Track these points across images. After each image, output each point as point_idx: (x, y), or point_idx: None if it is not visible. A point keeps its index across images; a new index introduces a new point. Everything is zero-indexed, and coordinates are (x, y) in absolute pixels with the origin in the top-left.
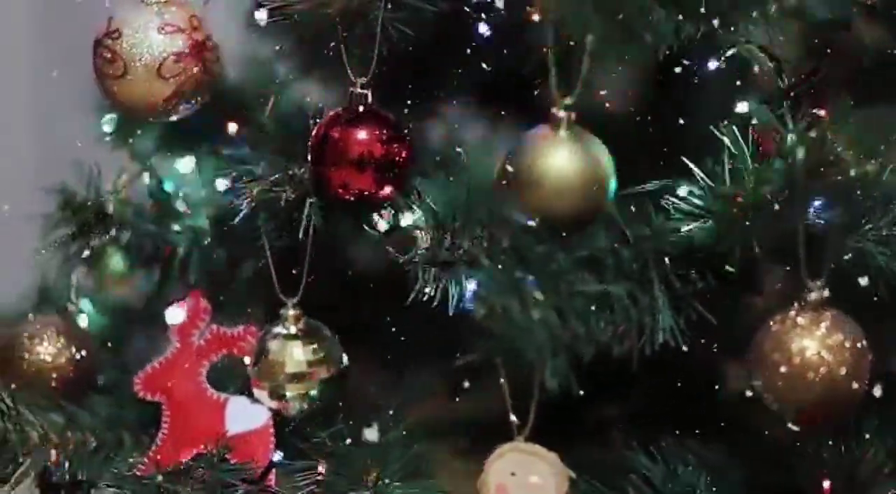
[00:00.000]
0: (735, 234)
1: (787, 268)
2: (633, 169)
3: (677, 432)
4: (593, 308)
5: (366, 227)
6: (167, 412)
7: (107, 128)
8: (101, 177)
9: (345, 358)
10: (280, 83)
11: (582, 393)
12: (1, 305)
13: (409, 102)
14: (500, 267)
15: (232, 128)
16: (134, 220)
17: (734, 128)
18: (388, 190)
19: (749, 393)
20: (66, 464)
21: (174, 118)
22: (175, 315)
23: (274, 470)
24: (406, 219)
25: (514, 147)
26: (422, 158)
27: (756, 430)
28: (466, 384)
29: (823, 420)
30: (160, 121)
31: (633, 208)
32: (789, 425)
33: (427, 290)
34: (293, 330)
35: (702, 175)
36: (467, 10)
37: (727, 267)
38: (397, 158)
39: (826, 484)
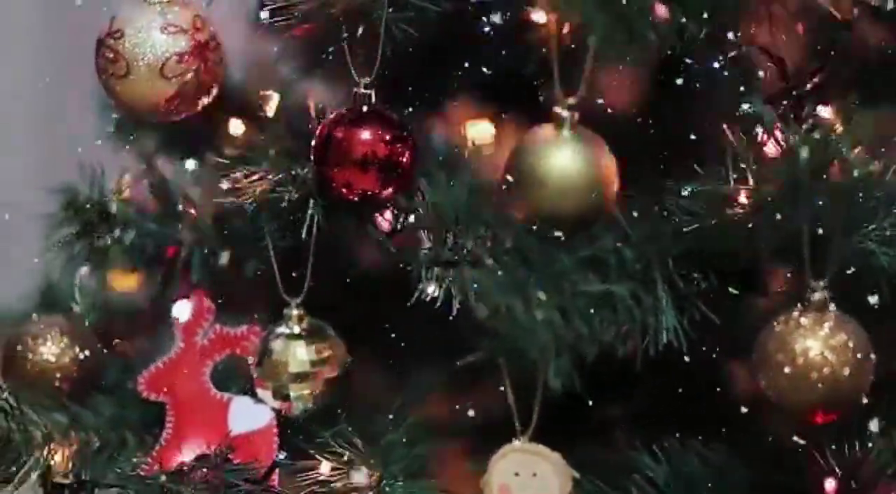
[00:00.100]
0: (738, 235)
1: (791, 269)
2: (637, 168)
3: (681, 432)
4: (597, 308)
5: (369, 227)
6: (171, 412)
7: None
8: (105, 176)
9: (348, 358)
10: (283, 83)
11: (585, 393)
12: (5, 305)
13: (412, 102)
14: (503, 267)
15: (235, 127)
16: (137, 220)
17: (738, 128)
18: (391, 190)
19: (753, 394)
20: (70, 464)
21: (177, 118)
22: (182, 309)
23: (277, 470)
24: (409, 219)
25: (517, 146)
26: (425, 158)
27: (759, 430)
28: (469, 384)
29: (827, 421)
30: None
31: (636, 208)
32: (793, 428)
33: (430, 290)
34: (297, 329)
35: (705, 175)
36: (471, 9)
37: (730, 268)
38: (401, 158)
39: (830, 485)
